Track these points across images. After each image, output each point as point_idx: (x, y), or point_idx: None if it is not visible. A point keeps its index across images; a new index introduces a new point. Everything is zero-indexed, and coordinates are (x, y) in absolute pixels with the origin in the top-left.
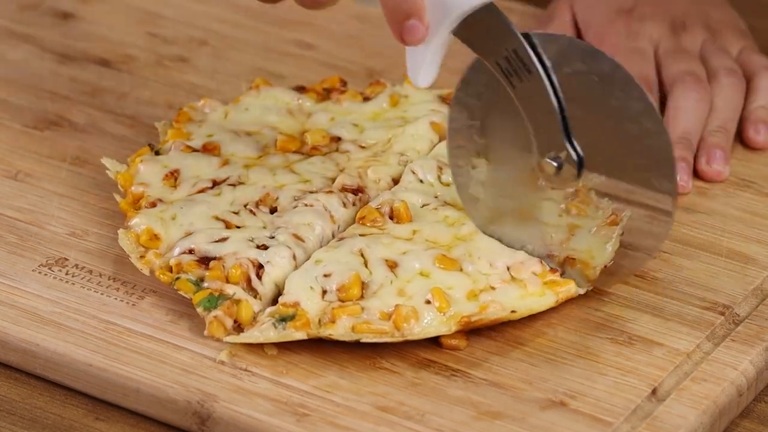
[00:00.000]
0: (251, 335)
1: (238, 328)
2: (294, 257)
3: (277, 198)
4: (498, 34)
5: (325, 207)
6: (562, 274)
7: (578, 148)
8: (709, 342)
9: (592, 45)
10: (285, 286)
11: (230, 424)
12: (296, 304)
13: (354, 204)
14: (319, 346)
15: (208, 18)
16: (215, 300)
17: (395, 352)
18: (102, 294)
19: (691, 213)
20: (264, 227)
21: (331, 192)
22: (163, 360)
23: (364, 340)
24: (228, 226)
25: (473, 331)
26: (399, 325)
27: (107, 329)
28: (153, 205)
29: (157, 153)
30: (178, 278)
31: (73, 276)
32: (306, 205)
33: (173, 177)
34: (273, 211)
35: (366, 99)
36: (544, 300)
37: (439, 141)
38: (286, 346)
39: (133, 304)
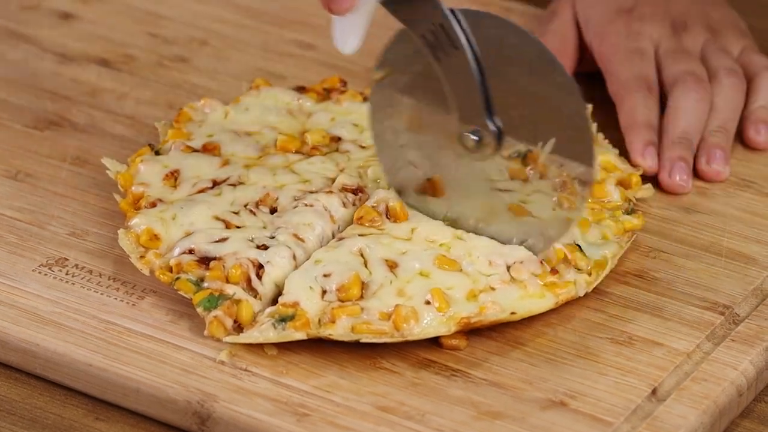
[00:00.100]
0: (251, 335)
1: (238, 328)
2: (294, 257)
3: (277, 198)
4: (425, 7)
5: (325, 207)
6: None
7: (498, 122)
8: (709, 342)
9: (514, 22)
10: (284, 286)
11: (230, 424)
12: (296, 304)
13: (354, 204)
14: (319, 346)
15: (209, 18)
16: (215, 300)
17: (395, 352)
18: (102, 294)
19: (691, 213)
20: (264, 227)
21: (331, 192)
22: (163, 360)
23: (363, 340)
24: (228, 226)
25: (473, 331)
26: (398, 325)
27: (107, 329)
28: (153, 205)
29: (157, 153)
30: (178, 278)
31: (73, 276)
32: (306, 205)
33: (173, 177)
34: (273, 211)
35: (366, 99)
36: (544, 302)
37: None
38: (286, 346)
39: (133, 304)
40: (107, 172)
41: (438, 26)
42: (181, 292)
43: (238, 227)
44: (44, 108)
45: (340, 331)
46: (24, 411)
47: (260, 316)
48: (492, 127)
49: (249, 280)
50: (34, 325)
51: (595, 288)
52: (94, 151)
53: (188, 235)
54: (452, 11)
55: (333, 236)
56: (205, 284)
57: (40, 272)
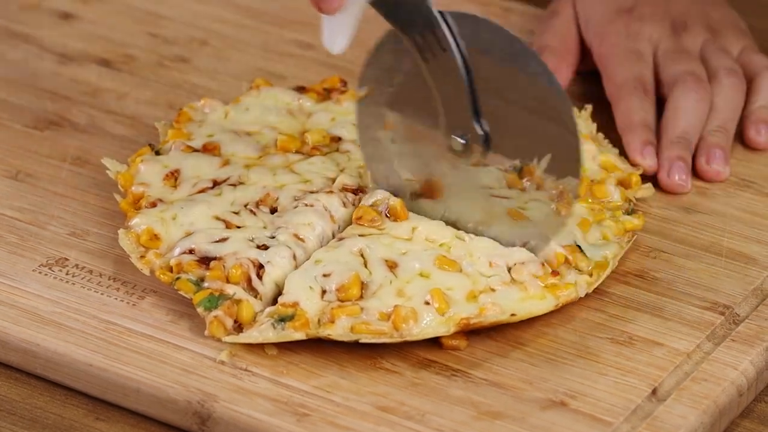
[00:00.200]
0: (250, 335)
1: (239, 328)
2: (294, 257)
3: (278, 198)
4: (415, 9)
5: (326, 207)
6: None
7: (485, 126)
8: (709, 342)
9: (501, 26)
10: (284, 286)
11: (230, 424)
12: (295, 305)
13: (354, 204)
14: (320, 346)
15: (209, 18)
16: (215, 300)
17: (396, 352)
18: (102, 294)
19: (691, 213)
20: (264, 227)
21: (331, 192)
22: (164, 360)
23: (362, 340)
24: (228, 226)
25: (473, 331)
26: (398, 325)
27: (107, 329)
28: (153, 205)
29: (157, 153)
30: (178, 278)
31: (73, 276)
32: (306, 205)
33: (173, 177)
34: (273, 211)
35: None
36: (544, 304)
37: None
38: (286, 346)
39: (134, 304)
40: (107, 172)
41: (427, 27)
42: (181, 292)
43: (239, 227)
44: (44, 108)
45: (339, 331)
46: (24, 411)
47: (260, 316)
48: (479, 130)
49: (249, 280)
50: (34, 325)
51: (595, 288)
52: (94, 151)
53: (188, 235)
54: (441, 13)
55: (333, 236)
56: (206, 284)
57: (40, 272)
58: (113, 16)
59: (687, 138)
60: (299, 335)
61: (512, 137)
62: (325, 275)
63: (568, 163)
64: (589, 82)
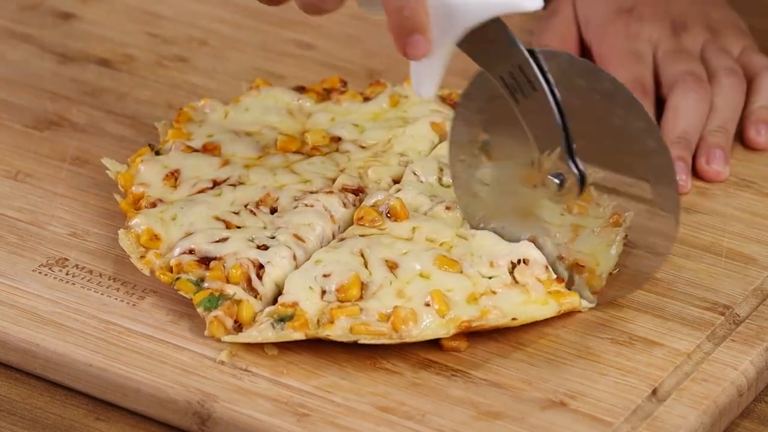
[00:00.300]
0: (249, 335)
1: (239, 328)
2: (294, 257)
3: (278, 198)
4: (503, 49)
5: (326, 207)
6: (569, 282)
7: (580, 165)
8: (709, 342)
9: (593, 63)
10: (284, 286)
11: (230, 424)
12: (295, 305)
13: (354, 204)
14: (320, 346)
15: (208, 18)
16: (215, 300)
17: (396, 352)
18: (102, 294)
19: (691, 213)
20: (264, 227)
21: (331, 192)
22: (164, 360)
23: (361, 341)
24: (228, 226)
25: (474, 332)
26: (397, 326)
27: (107, 329)
28: (153, 205)
29: (157, 153)
30: (178, 278)
31: (73, 276)
32: (306, 205)
33: (173, 177)
34: (273, 211)
35: (366, 99)
36: (546, 309)
37: (440, 141)
38: (286, 346)
39: (134, 305)
40: (107, 172)
41: (516, 67)
42: (181, 292)
43: (239, 227)
44: (44, 108)
45: (338, 331)
46: (24, 411)
47: (260, 316)
48: (574, 170)
49: (249, 280)
50: (34, 325)
51: (602, 300)
52: (94, 151)
53: (188, 235)
54: (531, 51)
55: (333, 236)
56: (206, 284)
57: (40, 272)
58: (113, 16)
59: (687, 138)
60: (298, 335)
61: (607, 176)
62: (325, 275)
63: (664, 220)
64: None
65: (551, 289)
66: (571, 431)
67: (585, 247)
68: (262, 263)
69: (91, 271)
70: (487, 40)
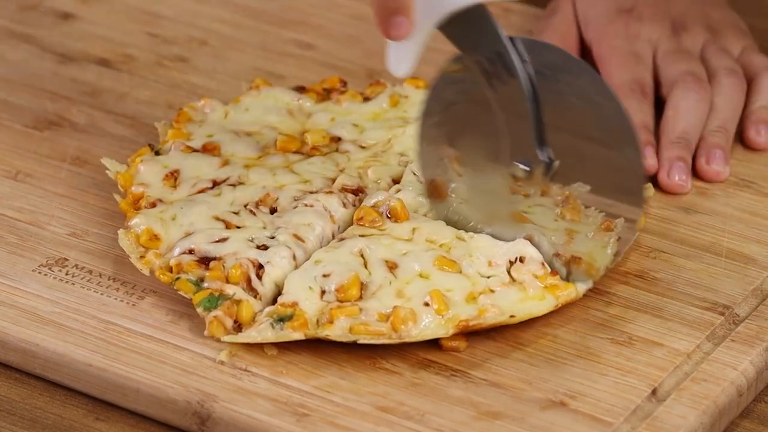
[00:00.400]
0: (249, 335)
1: (238, 328)
2: (294, 257)
3: (277, 198)
4: (484, 34)
5: (325, 207)
6: (568, 274)
7: (550, 153)
8: (709, 342)
9: (574, 55)
10: (284, 286)
11: (230, 424)
12: (294, 305)
13: (354, 204)
14: (319, 346)
15: (208, 18)
16: (215, 300)
17: (395, 352)
18: (102, 294)
19: (691, 213)
20: (264, 227)
21: (331, 192)
22: (163, 360)
23: (361, 341)
24: (228, 226)
25: (473, 331)
26: (397, 326)
27: (107, 329)
28: (153, 205)
29: (157, 153)
30: (178, 278)
31: (73, 276)
32: (306, 205)
33: (173, 177)
34: (273, 211)
35: (366, 99)
36: (544, 304)
37: None
38: (286, 346)
39: (133, 304)
40: (107, 172)
41: (495, 53)
42: (181, 292)
43: (238, 227)
44: (44, 108)
45: (338, 331)
46: (24, 411)
47: (259, 316)
48: (543, 157)
49: (249, 280)
50: (34, 325)
51: (595, 288)
52: (94, 151)
53: (188, 235)
54: (511, 39)
55: (333, 236)
56: (205, 284)
57: (40, 272)
58: (113, 16)
59: (687, 138)
60: (298, 335)
61: (575, 168)
62: (324, 275)
63: (631, 196)
64: None
65: (547, 283)
66: (571, 431)
67: (581, 248)
68: (262, 263)
69: (90, 271)
70: (468, 25)
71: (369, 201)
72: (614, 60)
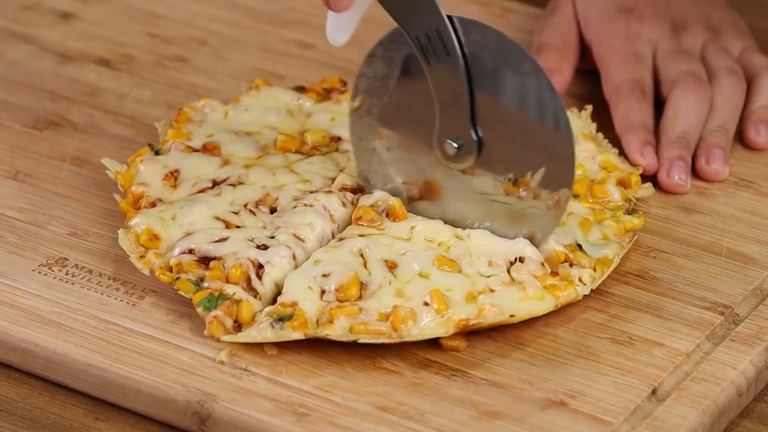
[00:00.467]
0: (248, 335)
1: (238, 327)
2: (294, 257)
3: (277, 198)
4: (424, 11)
5: (325, 207)
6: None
7: (480, 132)
8: (709, 342)
9: (508, 37)
10: (284, 285)
11: (230, 424)
12: (294, 304)
13: (353, 204)
14: (319, 346)
15: (208, 18)
16: (215, 300)
17: (395, 352)
18: (102, 294)
19: (691, 213)
20: (264, 227)
21: (330, 192)
22: (163, 360)
23: (361, 340)
24: (228, 226)
25: (473, 331)
26: (396, 326)
27: (107, 329)
28: (153, 205)
29: (157, 153)
30: (178, 278)
31: (73, 276)
32: (306, 205)
33: (173, 177)
34: (273, 211)
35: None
36: (544, 304)
37: None
38: (286, 346)
39: (133, 304)
40: (107, 172)
41: (434, 31)
42: (181, 292)
43: (238, 227)
44: (44, 108)
45: (337, 331)
46: (24, 411)
47: (259, 315)
48: (474, 135)
49: (249, 280)
50: (34, 325)
51: (595, 288)
52: (94, 151)
53: (188, 235)
54: (450, 17)
55: (333, 236)
56: (205, 284)
57: (40, 272)
58: (113, 16)
59: (687, 138)
60: (297, 335)
61: (507, 147)
62: (324, 275)
63: (561, 175)
64: (589, 82)
65: (547, 284)
66: (571, 431)
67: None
68: (262, 263)
69: (90, 271)
70: (409, 0)
71: (367, 201)
72: (614, 59)
